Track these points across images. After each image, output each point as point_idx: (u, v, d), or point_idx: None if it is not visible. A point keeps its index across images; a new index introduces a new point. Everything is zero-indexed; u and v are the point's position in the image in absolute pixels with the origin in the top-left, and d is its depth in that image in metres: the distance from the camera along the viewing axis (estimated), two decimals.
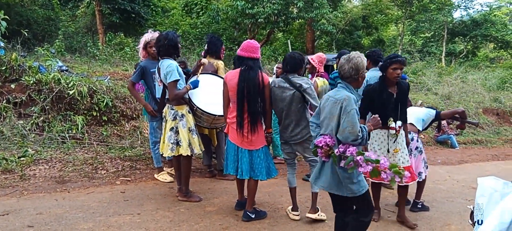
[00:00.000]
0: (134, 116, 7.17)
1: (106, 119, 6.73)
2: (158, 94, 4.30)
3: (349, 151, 2.71)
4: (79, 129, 6.21)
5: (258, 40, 21.05)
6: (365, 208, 2.98)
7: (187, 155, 4.10)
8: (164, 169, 5.16)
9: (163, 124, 4.21)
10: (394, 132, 3.84)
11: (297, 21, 20.61)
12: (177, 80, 3.96)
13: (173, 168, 5.20)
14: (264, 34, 23.18)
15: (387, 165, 2.68)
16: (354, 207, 3.03)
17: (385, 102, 3.84)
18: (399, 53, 23.43)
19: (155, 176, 5.07)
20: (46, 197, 4.27)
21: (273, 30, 20.11)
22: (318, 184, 3.09)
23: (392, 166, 2.71)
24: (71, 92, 6.36)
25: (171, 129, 4.09)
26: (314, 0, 17.57)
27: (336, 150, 2.80)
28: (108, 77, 9.56)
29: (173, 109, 4.10)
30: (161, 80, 4.15)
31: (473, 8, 27.35)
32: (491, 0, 29.37)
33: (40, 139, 5.82)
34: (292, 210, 4.14)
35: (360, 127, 2.78)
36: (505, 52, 30.04)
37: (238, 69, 3.73)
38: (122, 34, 16.09)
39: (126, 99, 7.29)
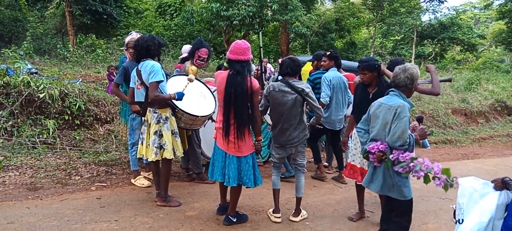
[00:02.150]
0: (108, 119, 6.98)
1: (79, 123, 6.53)
2: (138, 98, 4.17)
3: (403, 157, 2.83)
4: (51, 133, 5.99)
5: (232, 42, 20.98)
6: (409, 213, 3.13)
7: (168, 159, 4.01)
8: (141, 173, 5.03)
9: (144, 127, 4.10)
10: None
11: (272, 23, 20.71)
12: (160, 82, 3.87)
13: (150, 172, 5.11)
14: (239, 36, 23.15)
15: (440, 171, 2.75)
16: (399, 210, 3.13)
17: (362, 102, 3.99)
18: (371, 56, 23.94)
19: (132, 180, 4.93)
20: (17, 205, 4.08)
21: (248, 32, 20.10)
22: (371, 188, 3.23)
23: (444, 170, 2.74)
24: (41, 95, 6.13)
25: (155, 132, 3.97)
26: (288, 2, 17.71)
27: (390, 156, 2.91)
28: (80, 80, 9.32)
29: (156, 113, 3.98)
30: (141, 83, 4.04)
31: (440, 12, 28.29)
32: (457, 4, 30.44)
33: (9, 145, 5.57)
34: (273, 212, 4.12)
35: (410, 134, 2.94)
36: (470, 54, 31.20)
37: (227, 72, 3.64)
38: (94, 36, 15.73)
39: (100, 102, 7.10)
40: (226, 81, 3.57)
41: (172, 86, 4.24)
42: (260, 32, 6.35)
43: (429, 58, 28.30)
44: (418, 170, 2.77)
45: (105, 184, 4.88)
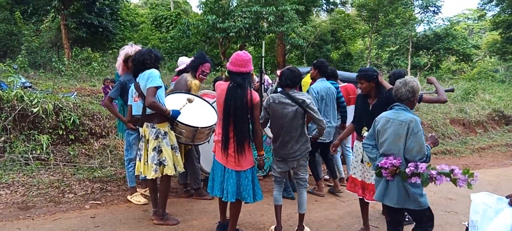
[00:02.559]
0: (103, 133, 6.82)
1: (73, 138, 6.36)
2: (135, 111, 4.02)
3: (421, 168, 2.87)
4: (44, 149, 5.82)
5: (229, 54, 20.97)
6: (431, 219, 3.15)
7: (168, 175, 3.87)
8: (138, 189, 4.86)
9: (142, 144, 3.93)
10: None
11: (268, 35, 20.71)
12: (158, 87, 3.73)
13: (146, 188, 4.95)
14: (235, 48, 23.14)
15: (460, 172, 2.80)
16: (418, 219, 3.18)
17: (361, 112, 3.95)
18: (368, 66, 23.98)
19: (128, 197, 4.75)
20: (8, 226, 3.89)
21: (245, 44, 20.07)
22: (386, 201, 3.19)
23: (465, 171, 2.79)
24: (35, 110, 5.97)
25: (154, 148, 3.80)
26: (284, 14, 17.73)
27: (407, 169, 2.92)
28: (75, 94, 9.17)
29: (154, 127, 3.82)
30: (139, 95, 3.91)
31: (435, 23, 28.46)
32: (450, 15, 30.69)
33: (0, 161, 5.39)
34: (275, 230, 3.97)
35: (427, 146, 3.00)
36: (465, 64, 31.35)
37: (227, 83, 3.52)
38: (89, 49, 15.63)
39: (95, 117, 6.94)
40: (226, 93, 3.45)
41: (170, 103, 4.09)
42: (264, 41, 6.20)
43: (425, 68, 28.40)
44: (440, 177, 2.83)
45: (100, 202, 4.70)
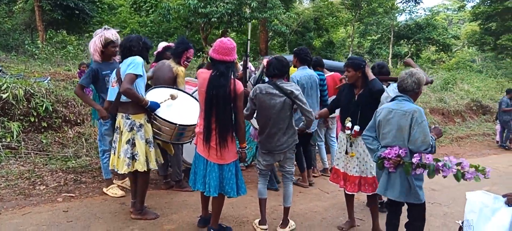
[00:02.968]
0: (78, 121, 6.51)
1: (46, 125, 6.04)
2: (110, 97, 3.76)
3: (427, 159, 2.84)
4: (14, 137, 5.50)
5: (210, 40, 20.60)
6: (423, 213, 3.15)
7: (144, 170, 3.63)
8: (114, 181, 4.63)
9: (117, 135, 3.68)
10: (348, 132, 3.74)
11: (251, 21, 20.40)
12: (137, 76, 3.51)
13: (124, 180, 4.72)
14: (217, 34, 22.77)
15: (468, 165, 2.76)
16: (412, 213, 3.17)
17: (347, 102, 3.84)
18: (351, 55, 24.02)
19: (104, 190, 4.50)
20: None
21: (227, 30, 19.72)
22: (388, 194, 3.15)
23: (472, 165, 2.75)
24: (4, 95, 5.63)
25: (128, 141, 3.57)
26: (267, 0, 17.46)
27: (413, 159, 2.87)
28: (49, 78, 8.74)
29: (129, 119, 3.58)
30: (117, 81, 3.65)
31: (416, 13, 28.71)
32: (431, 5, 30.94)
33: None
34: (259, 224, 3.84)
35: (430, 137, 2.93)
36: (445, 54, 31.80)
37: (209, 72, 3.30)
38: (65, 32, 14.98)
39: (69, 103, 6.62)
40: (208, 82, 3.24)
41: (152, 97, 3.82)
42: (250, 23, 5.95)
43: (405, 57, 28.63)
44: (448, 169, 2.78)
45: (73, 195, 4.43)
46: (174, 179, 4.74)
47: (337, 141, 7.53)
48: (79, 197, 4.39)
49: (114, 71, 3.77)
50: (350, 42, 27.83)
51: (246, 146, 3.52)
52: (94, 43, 4.16)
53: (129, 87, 3.44)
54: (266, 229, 3.78)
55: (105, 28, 4.28)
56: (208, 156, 3.33)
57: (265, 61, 4.67)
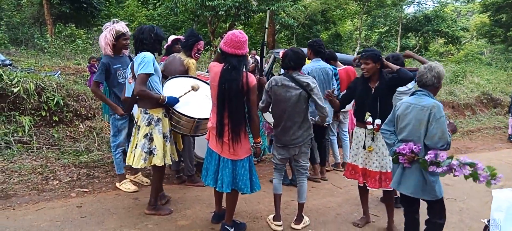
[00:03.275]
0: (89, 115, 6.51)
1: (57, 119, 6.05)
2: (128, 93, 3.75)
3: (441, 156, 2.78)
4: (26, 131, 5.52)
5: (218, 34, 20.54)
6: (442, 211, 3.09)
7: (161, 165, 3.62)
8: (127, 176, 4.61)
9: (134, 130, 3.67)
10: (370, 127, 3.65)
11: (258, 14, 20.29)
12: (149, 75, 3.47)
13: (136, 174, 4.71)
14: (224, 27, 22.69)
15: (483, 167, 2.70)
16: (431, 210, 3.13)
17: (363, 97, 3.74)
18: (358, 48, 23.84)
19: (117, 185, 4.49)
20: None
21: (234, 23, 19.64)
22: (401, 189, 3.13)
23: (488, 168, 2.69)
24: (15, 90, 5.63)
25: (145, 135, 3.55)
26: None
27: (426, 156, 2.84)
28: (59, 72, 8.78)
29: (147, 113, 3.56)
30: (133, 76, 3.63)
31: (425, 4, 28.44)
32: None
33: None
34: (274, 220, 3.79)
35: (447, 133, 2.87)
36: (453, 47, 31.47)
37: (221, 65, 3.24)
38: (73, 26, 15.05)
39: (80, 97, 6.61)
40: (220, 76, 3.18)
41: (171, 88, 3.80)
42: (268, 11, 5.84)
43: (414, 50, 28.38)
44: (461, 168, 2.73)
45: (87, 190, 4.43)
46: (186, 174, 4.72)
47: (350, 135, 7.48)
48: (92, 192, 4.39)
49: (129, 67, 3.73)
50: (357, 35, 27.63)
51: (260, 141, 3.48)
52: (105, 37, 4.12)
53: (142, 89, 3.42)
54: (281, 225, 3.74)
55: (114, 21, 4.24)
56: (221, 152, 3.28)
57: (281, 53, 4.61)
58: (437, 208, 3.08)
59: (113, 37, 4.08)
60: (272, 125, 3.83)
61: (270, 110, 3.77)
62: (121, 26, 4.14)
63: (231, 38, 3.16)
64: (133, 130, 3.70)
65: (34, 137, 5.58)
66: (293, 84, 3.48)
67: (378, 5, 25.48)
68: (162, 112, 3.63)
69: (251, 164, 3.40)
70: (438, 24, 27.22)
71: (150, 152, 3.57)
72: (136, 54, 3.65)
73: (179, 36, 5.20)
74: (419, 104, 2.95)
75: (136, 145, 3.60)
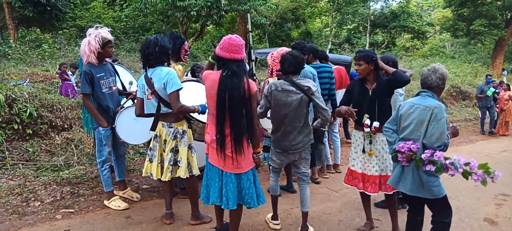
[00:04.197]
0: (66, 126, 6.11)
1: (31, 132, 5.63)
2: (148, 110, 3.55)
3: (436, 155, 2.78)
4: None
5: (189, 35, 20.12)
6: (446, 209, 3.06)
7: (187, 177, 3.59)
8: (115, 192, 4.32)
9: (156, 143, 3.57)
10: (367, 130, 3.57)
11: (229, 13, 20.03)
12: (179, 89, 3.38)
13: (125, 190, 4.43)
14: (194, 27, 22.31)
15: (476, 166, 2.72)
16: (432, 208, 3.10)
17: (360, 99, 3.66)
18: (329, 46, 24.05)
19: (106, 203, 4.18)
20: None
21: (206, 23, 19.32)
22: (400, 187, 3.15)
23: (481, 166, 2.71)
24: None
25: (172, 149, 3.51)
26: None
27: (423, 155, 2.85)
28: (27, 80, 8.28)
29: (171, 127, 3.49)
30: (152, 93, 3.44)
31: (391, 1, 29.04)
32: None
33: None
34: (272, 219, 3.76)
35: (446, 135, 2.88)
36: (418, 41, 32.33)
37: (219, 72, 3.05)
38: (38, 30, 14.26)
39: (54, 107, 6.20)
40: (219, 83, 2.97)
41: (189, 95, 3.77)
42: (249, 14, 5.68)
43: (382, 46, 28.97)
44: (456, 168, 2.74)
45: (73, 210, 4.08)
46: (179, 186, 4.48)
47: (348, 138, 7.42)
48: (79, 213, 4.05)
49: (144, 83, 3.49)
50: (327, 32, 27.88)
51: (260, 151, 3.31)
52: (89, 44, 3.82)
53: (180, 106, 3.38)
54: (279, 224, 3.75)
55: (97, 27, 3.96)
56: (223, 166, 3.08)
57: (269, 55, 4.44)
58: (437, 207, 3.06)
59: (99, 45, 3.79)
60: (270, 130, 3.69)
61: (268, 115, 3.62)
62: (107, 33, 3.87)
63: (228, 42, 2.99)
64: (153, 142, 3.62)
65: (7, 153, 5.17)
66: (293, 88, 3.39)
67: (348, 2, 25.76)
68: (186, 124, 3.59)
69: (255, 176, 3.23)
70: (404, 20, 27.82)
71: (175, 163, 3.54)
72: (145, 69, 3.50)
73: None
74: (423, 104, 2.96)
75: (163, 159, 3.58)
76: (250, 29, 4.40)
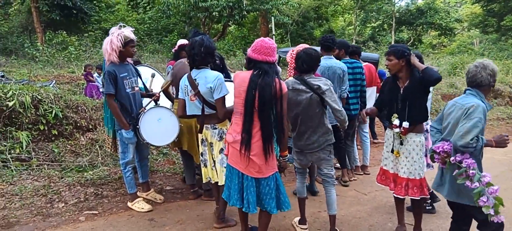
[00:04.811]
0: (90, 126, 6.12)
1: (57, 133, 5.65)
2: (192, 111, 3.49)
3: (466, 162, 2.62)
4: (24, 147, 5.13)
5: (211, 35, 20.16)
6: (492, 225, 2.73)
7: None
8: (139, 194, 4.25)
9: (204, 147, 3.54)
10: (397, 130, 3.38)
11: (251, 13, 19.95)
12: (226, 95, 3.33)
13: (149, 192, 4.36)
14: (217, 28, 22.35)
15: (495, 193, 2.55)
16: (478, 219, 2.83)
17: (391, 97, 3.48)
18: (354, 43, 23.65)
19: (129, 204, 4.12)
20: None
21: (228, 24, 19.31)
22: (440, 191, 3.02)
23: (498, 199, 2.55)
24: (10, 103, 5.23)
25: (221, 150, 3.43)
26: None
27: (451, 158, 2.71)
28: (53, 82, 8.39)
29: (216, 128, 3.42)
30: (195, 95, 3.37)
31: None
32: None
33: None
34: (299, 223, 3.63)
35: (479, 137, 2.61)
36: (445, 38, 31.41)
37: (249, 72, 2.95)
38: (64, 32, 14.56)
39: (79, 108, 6.21)
40: (249, 82, 2.88)
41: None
42: (273, 17, 5.58)
43: (408, 44, 28.29)
44: (476, 181, 2.57)
45: (96, 212, 4.03)
46: (205, 188, 4.37)
47: (375, 138, 7.15)
48: (102, 214, 4.00)
49: (188, 84, 3.42)
50: (350, 31, 27.45)
51: (287, 155, 3.17)
52: (111, 43, 3.76)
53: (225, 110, 3.30)
54: (307, 228, 3.64)
55: (120, 26, 3.89)
56: (244, 168, 2.96)
57: (289, 53, 4.28)
58: (481, 216, 2.72)
59: (121, 44, 3.73)
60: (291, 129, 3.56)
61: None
62: (129, 32, 3.80)
63: (261, 44, 2.94)
64: (202, 147, 3.58)
65: (33, 153, 5.20)
66: (303, 87, 3.28)
67: (372, 0, 25.31)
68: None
69: (278, 181, 3.08)
70: (431, 17, 27.12)
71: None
72: (191, 69, 3.43)
73: (184, 41, 4.85)
74: (461, 103, 2.81)
75: (214, 161, 3.52)
76: (273, 31, 4.25)
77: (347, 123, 3.46)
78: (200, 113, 3.42)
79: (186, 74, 3.47)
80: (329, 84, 3.28)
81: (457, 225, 3.08)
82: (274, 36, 4.35)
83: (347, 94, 4.78)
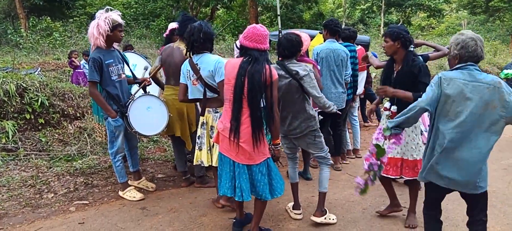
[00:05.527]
0: (78, 114, 6.00)
1: (43, 122, 5.54)
2: (194, 95, 3.51)
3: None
4: (10, 137, 5.01)
5: (200, 18, 19.87)
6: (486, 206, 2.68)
7: None
8: (130, 182, 4.18)
9: (203, 131, 3.55)
10: (387, 113, 3.41)
11: None
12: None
13: (140, 180, 4.29)
14: (204, 12, 22.06)
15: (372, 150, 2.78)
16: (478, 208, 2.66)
17: (385, 78, 3.49)
18: (343, 26, 23.57)
19: (120, 194, 4.04)
20: None
21: (216, 7, 19.04)
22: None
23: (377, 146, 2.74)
24: None
25: None
26: None
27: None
28: (39, 69, 8.20)
29: (217, 112, 3.46)
30: (197, 79, 3.41)
31: None
32: None
33: None
34: (293, 208, 3.63)
35: None
36: (434, 20, 31.46)
37: (240, 59, 2.89)
38: (48, 18, 14.19)
39: (66, 96, 6.09)
40: (238, 68, 2.82)
41: None
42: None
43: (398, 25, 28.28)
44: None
45: (87, 202, 3.95)
46: (197, 174, 4.31)
47: (366, 122, 7.15)
48: (93, 204, 3.91)
49: (190, 68, 3.43)
50: (340, 13, 27.31)
51: (279, 143, 3.13)
52: (98, 26, 3.62)
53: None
54: (301, 214, 3.62)
55: (107, 9, 3.76)
56: (235, 156, 2.91)
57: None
58: (482, 204, 2.63)
59: (109, 28, 3.60)
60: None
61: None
62: (117, 16, 3.67)
63: (252, 31, 2.88)
64: (200, 130, 3.57)
65: (20, 143, 5.08)
66: (283, 72, 3.27)
67: None
68: None
69: (270, 167, 3.03)
70: None
71: None
72: (188, 55, 3.46)
73: (174, 25, 4.73)
74: (485, 82, 2.35)
75: (213, 145, 3.52)
76: (278, 13, 4.15)
77: (331, 109, 3.42)
78: (202, 97, 3.45)
79: (187, 59, 3.48)
80: (308, 70, 3.25)
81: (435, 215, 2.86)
82: (279, 19, 4.25)
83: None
